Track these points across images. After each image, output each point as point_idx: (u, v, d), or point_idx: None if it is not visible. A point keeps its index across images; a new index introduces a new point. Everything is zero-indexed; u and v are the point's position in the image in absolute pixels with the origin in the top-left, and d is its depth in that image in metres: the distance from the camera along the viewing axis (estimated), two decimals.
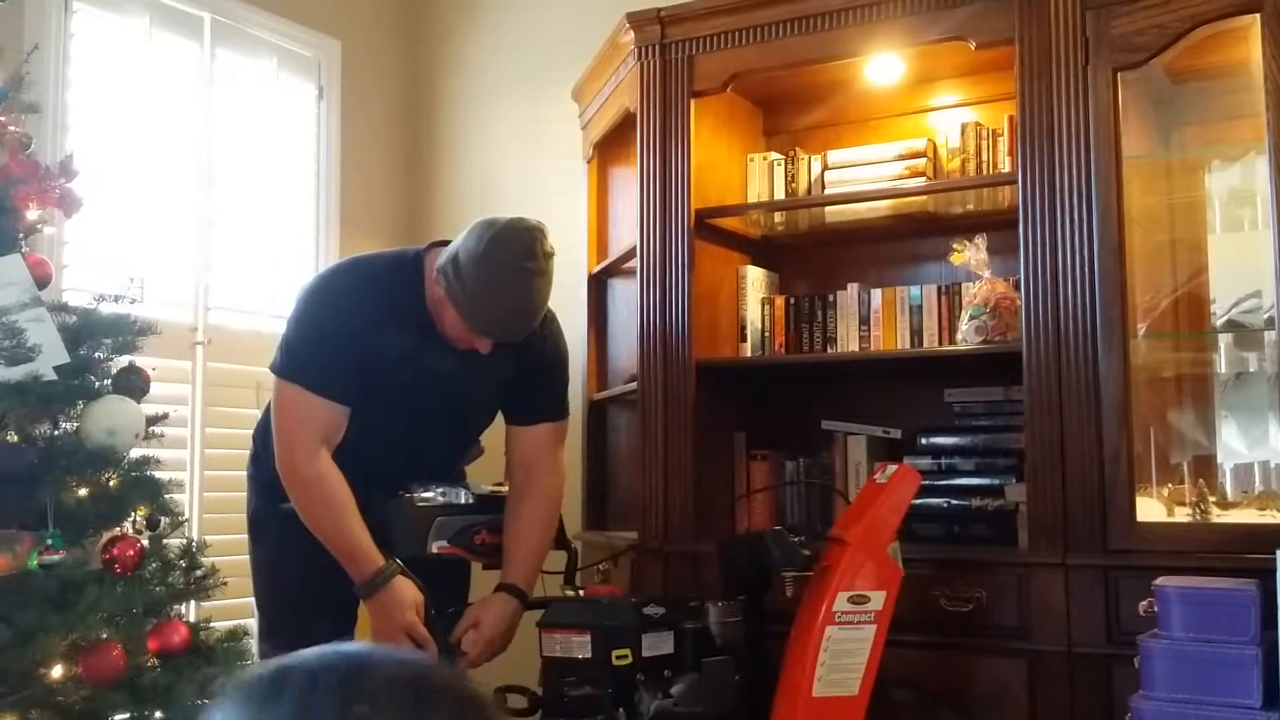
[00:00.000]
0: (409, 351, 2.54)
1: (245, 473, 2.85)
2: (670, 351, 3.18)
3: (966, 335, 2.99)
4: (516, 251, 2.43)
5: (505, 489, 2.74)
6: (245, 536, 2.89)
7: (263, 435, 2.75)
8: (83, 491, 2.29)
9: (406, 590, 2.47)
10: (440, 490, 2.59)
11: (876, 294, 3.22)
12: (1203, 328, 2.78)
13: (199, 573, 2.46)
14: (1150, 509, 2.65)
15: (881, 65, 3.20)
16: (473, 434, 2.82)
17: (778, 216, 3.49)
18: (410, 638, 2.47)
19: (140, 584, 2.32)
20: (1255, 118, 2.55)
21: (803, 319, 3.32)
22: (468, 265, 2.42)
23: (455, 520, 2.57)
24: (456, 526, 2.57)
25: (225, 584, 2.55)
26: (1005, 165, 3.07)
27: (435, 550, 2.54)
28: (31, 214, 2.42)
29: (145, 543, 2.36)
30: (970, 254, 3.03)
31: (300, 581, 2.63)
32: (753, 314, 3.37)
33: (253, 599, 2.83)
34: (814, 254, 3.56)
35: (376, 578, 2.45)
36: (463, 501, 2.60)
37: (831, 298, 3.29)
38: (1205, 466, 2.79)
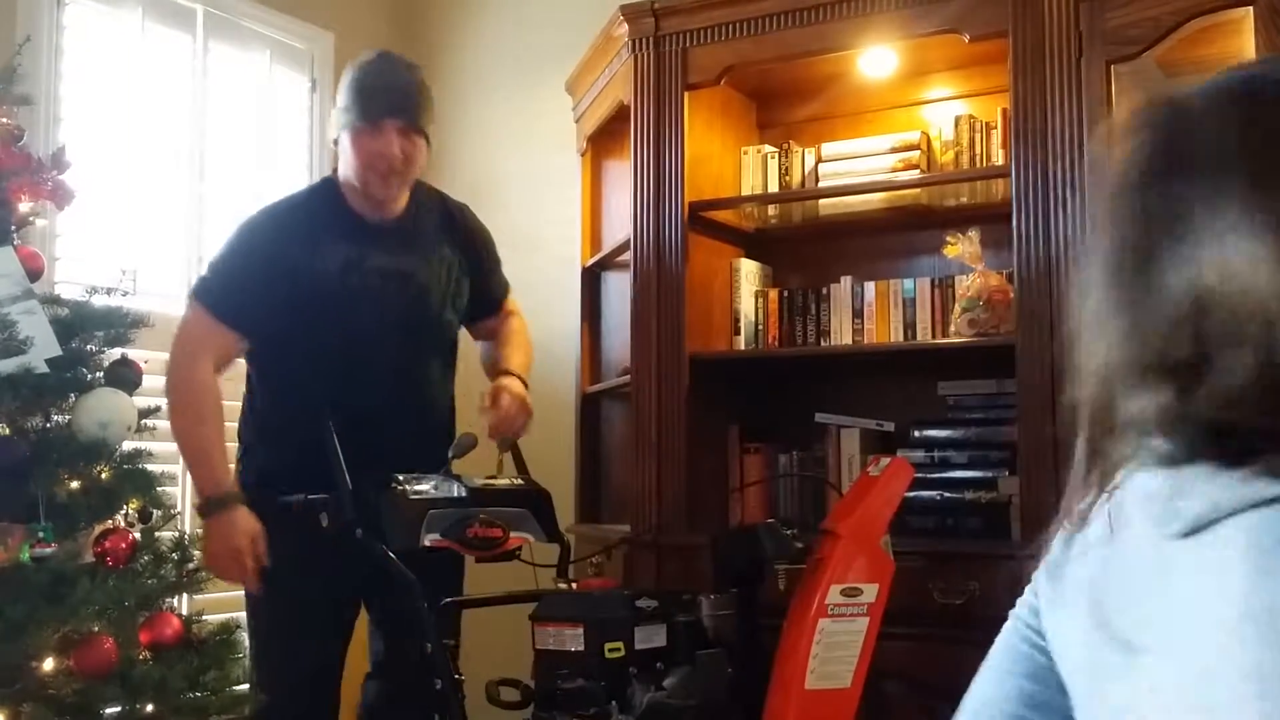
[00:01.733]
0: (350, 257, 2.70)
1: (233, 468, 2.85)
2: (663, 344, 3.18)
3: (960, 328, 2.99)
4: (372, 53, 2.78)
5: (498, 483, 2.74)
6: None
7: (254, 429, 2.77)
8: (75, 484, 2.28)
9: (245, 519, 2.54)
10: (433, 483, 2.60)
11: (870, 287, 3.22)
12: None
13: (191, 565, 2.46)
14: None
15: (875, 58, 3.20)
16: (443, 339, 2.90)
17: (771, 209, 3.49)
18: (240, 563, 2.53)
19: (132, 577, 2.31)
20: None
21: (796, 312, 3.33)
22: (343, 90, 2.72)
23: (448, 513, 2.57)
24: (450, 520, 2.56)
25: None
26: (999, 158, 3.07)
27: (428, 543, 2.54)
28: (24, 206, 2.41)
29: (137, 535, 2.36)
30: (964, 247, 3.03)
31: (297, 578, 2.64)
32: (746, 307, 3.37)
33: (243, 593, 2.83)
34: (807, 247, 3.56)
35: (221, 499, 2.55)
36: (455, 495, 2.60)
37: (825, 291, 3.29)
38: None
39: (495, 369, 2.91)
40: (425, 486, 2.58)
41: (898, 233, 3.41)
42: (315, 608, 2.66)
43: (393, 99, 2.68)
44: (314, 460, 2.53)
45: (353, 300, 2.70)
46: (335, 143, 2.77)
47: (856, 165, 3.27)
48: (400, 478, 2.55)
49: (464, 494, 2.62)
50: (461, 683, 2.46)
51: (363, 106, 2.67)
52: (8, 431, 2.27)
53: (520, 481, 2.80)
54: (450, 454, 2.82)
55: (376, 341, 2.72)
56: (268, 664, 2.68)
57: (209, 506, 2.57)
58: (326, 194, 2.81)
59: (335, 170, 2.85)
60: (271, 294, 2.65)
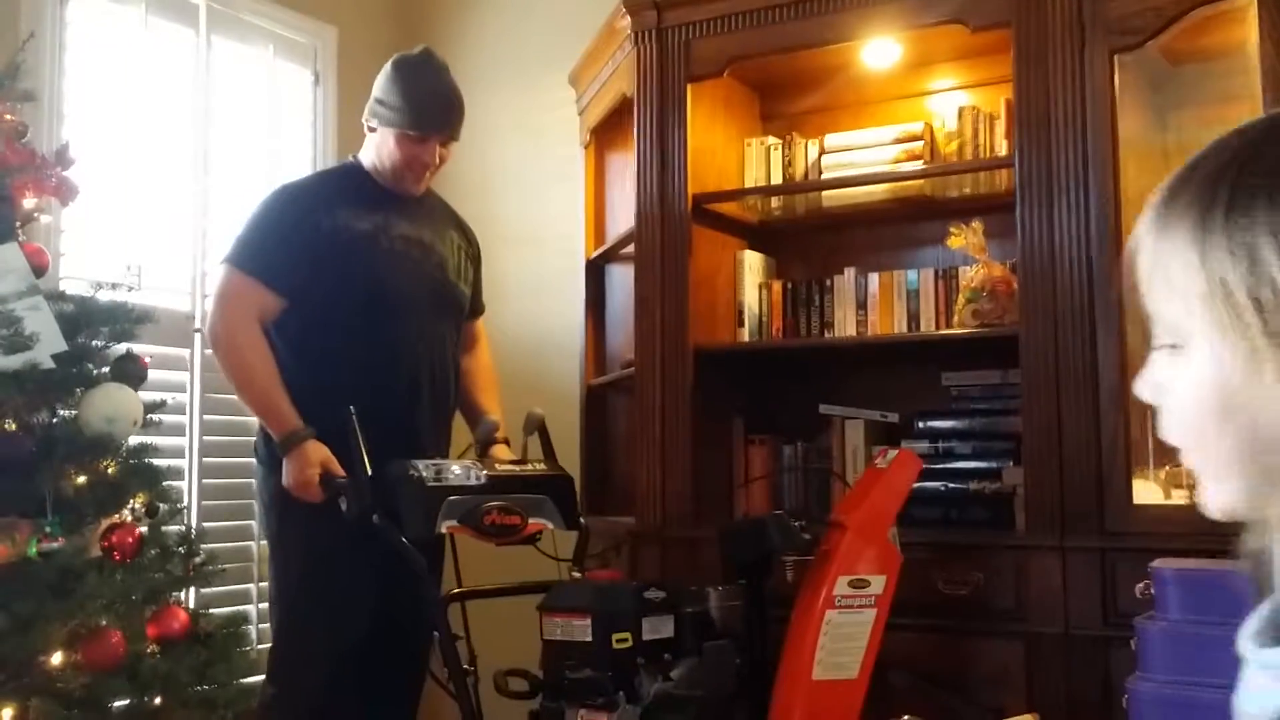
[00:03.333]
0: (378, 222, 2.88)
1: (255, 456, 2.87)
2: (667, 337, 3.18)
3: (964, 319, 2.99)
4: (416, 56, 2.93)
5: (518, 469, 2.76)
6: (246, 522, 2.90)
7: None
8: (81, 479, 2.29)
9: (314, 451, 2.68)
10: (453, 470, 2.61)
11: (874, 278, 3.22)
12: None
13: (198, 559, 2.47)
14: (1147, 491, 2.65)
15: (878, 49, 3.20)
16: (459, 308, 3.04)
17: (775, 201, 3.49)
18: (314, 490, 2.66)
19: (139, 571, 2.32)
20: (1252, 100, 2.55)
21: (800, 304, 3.33)
22: (384, 88, 2.89)
23: (466, 500, 2.58)
24: (467, 506, 2.57)
25: (224, 570, 2.56)
26: (1002, 148, 3.07)
27: (444, 530, 2.56)
28: (28, 202, 2.42)
29: (144, 530, 2.36)
30: (967, 238, 3.03)
31: (334, 557, 2.67)
32: (750, 299, 3.37)
33: (251, 585, 2.84)
34: (811, 238, 3.56)
35: (293, 436, 2.68)
36: (473, 481, 2.61)
37: (829, 282, 3.29)
38: None
39: (486, 434, 3.01)
40: (443, 473, 2.59)
41: (901, 224, 3.41)
42: (354, 569, 2.70)
43: (442, 115, 2.89)
44: (339, 426, 2.61)
45: (384, 261, 2.85)
46: (370, 129, 2.93)
47: (860, 156, 3.27)
48: (419, 464, 2.56)
49: (482, 480, 2.63)
50: (471, 672, 2.48)
51: (414, 117, 2.85)
52: (14, 427, 2.27)
53: (542, 467, 2.81)
54: (474, 440, 2.85)
55: (406, 302, 2.85)
56: (299, 622, 2.72)
57: (284, 445, 2.69)
58: (351, 170, 3.00)
59: (354, 156, 3.02)
60: (306, 254, 2.77)
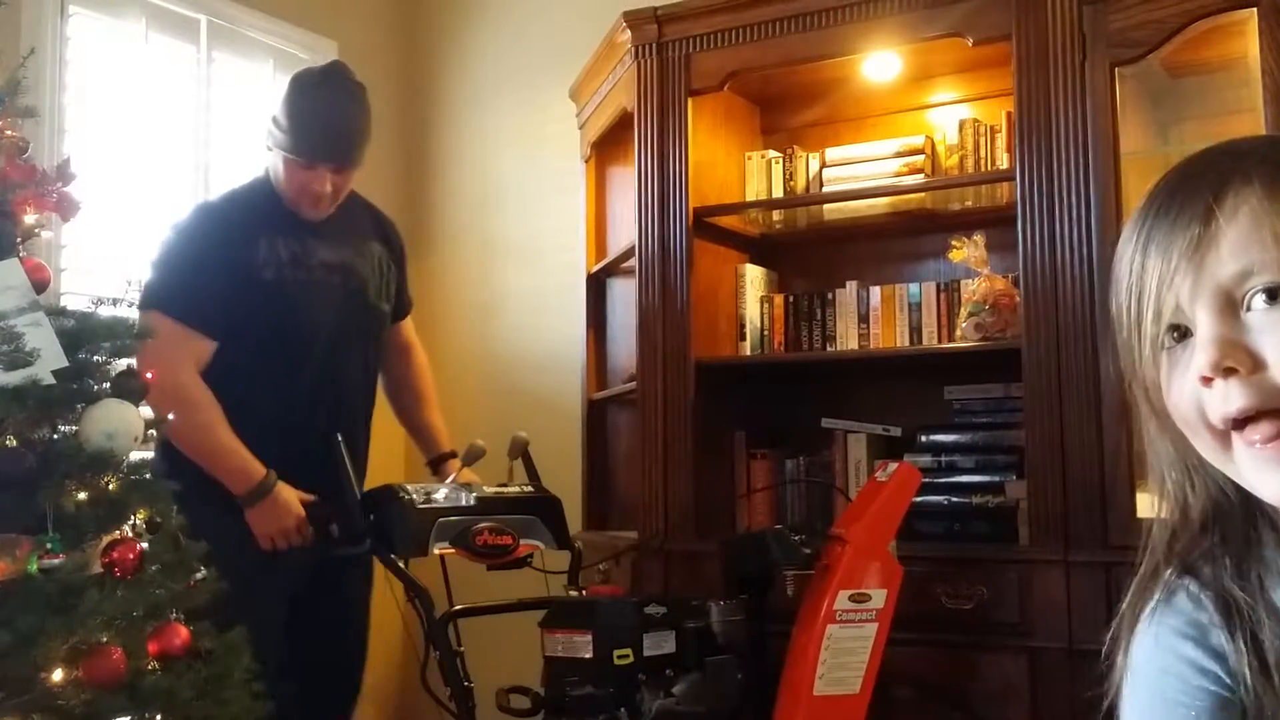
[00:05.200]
0: (295, 251, 2.76)
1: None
2: (669, 351, 3.17)
3: (966, 332, 2.99)
4: (318, 74, 2.77)
5: (507, 491, 2.75)
6: None
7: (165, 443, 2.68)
8: (82, 495, 2.28)
9: (286, 498, 2.61)
10: (443, 492, 2.61)
11: (875, 292, 3.22)
12: None
13: (198, 576, 2.46)
14: (1151, 505, 2.64)
15: (879, 62, 3.20)
16: (379, 327, 2.97)
17: (776, 215, 3.49)
18: (298, 531, 2.63)
19: (140, 587, 2.31)
20: (1253, 112, 2.55)
21: (802, 317, 3.32)
22: (281, 108, 2.72)
23: (457, 522, 2.58)
24: (458, 528, 2.58)
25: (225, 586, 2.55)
26: (1003, 162, 3.07)
27: (437, 551, 2.56)
28: (29, 218, 2.41)
29: (145, 546, 2.35)
30: (969, 251, 3.03)
31: (246, 578, 2.67)
32: (752, 312, 3.37)
33: None
34: (813, 252, 3.56)
35: (261, 486, 2.59)
36: (464, 503, 2.61)
37: (830, 296, 3.29)
38: None
39: (431, 448, 3.01)
40: (434, 495, 2.59)
41: (903, 237, 3.41)
42: (267, 580, 2.69)
43: (330, 144, 2.72)
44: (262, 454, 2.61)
45: (303, 293, 2.76)
46: (267, 148, 2.80)
47: (861, 170, 3.27)
48: (409, 487, 2.56)
49: (472, 502, 2.63)
50: (471, 690, 2.47)
51: (300, 143, 2.70)
52: (15, 443, 2.27)
53: (530, 489, 2.81)
54: (461, 462, 2.84)
55: (329, 332, 2.79)
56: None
57: (251, 498, 2.61)
58: (265, 192, 2.83)
59: (267, 170, 2.86)
60: (229, 293, 2.69)
